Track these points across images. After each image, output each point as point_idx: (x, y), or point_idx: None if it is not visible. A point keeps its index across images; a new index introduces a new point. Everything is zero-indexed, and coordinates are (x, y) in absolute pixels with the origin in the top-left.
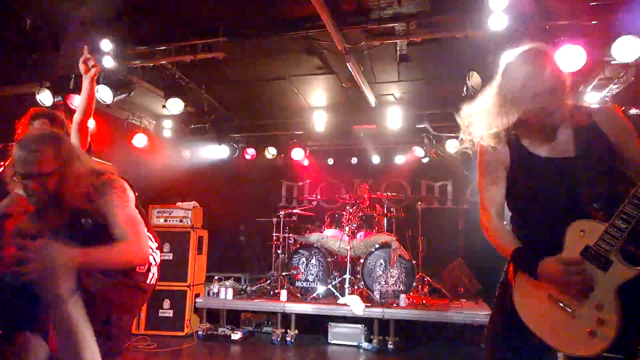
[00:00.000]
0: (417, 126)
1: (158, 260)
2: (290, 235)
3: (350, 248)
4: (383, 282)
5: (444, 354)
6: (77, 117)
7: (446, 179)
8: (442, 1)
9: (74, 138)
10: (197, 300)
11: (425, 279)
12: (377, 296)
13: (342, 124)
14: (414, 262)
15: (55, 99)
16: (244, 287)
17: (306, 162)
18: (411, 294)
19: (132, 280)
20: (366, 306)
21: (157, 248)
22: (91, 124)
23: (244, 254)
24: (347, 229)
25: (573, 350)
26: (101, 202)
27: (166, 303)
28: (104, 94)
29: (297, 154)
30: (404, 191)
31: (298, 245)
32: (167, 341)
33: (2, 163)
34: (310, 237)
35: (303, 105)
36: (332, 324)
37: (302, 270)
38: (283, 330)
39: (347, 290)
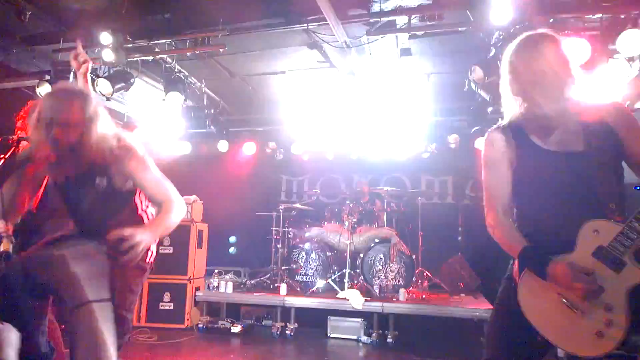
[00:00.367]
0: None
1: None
2: (290, 229)
3: (350, 243)
4: (383, 277)
5: (443, 348)
6: None
7: (446, 174)
8: None
9: None
10: (198, 293)
11: (425, 273)
12: (377, 290)
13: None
14: (413, 256)
15: None
16: (244, 281)
17: (306, 157)
18: (411, 288)
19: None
20: (366, 300)
21: None
22: None
23: (244, 248)
24: (346, 223)
25: (579, 350)
26: (123, 166)
27: (167, 296)
28: (103, 87)
29: (297, 149)
30: (403, 186)
31: (298, 240)
32: (168, 334)
33: (2, 156)
34: (310, 232)
35: (303, 99)
36: (332, 317)
37: (302, 264)
38: (283, 323)
39: (346, 285)
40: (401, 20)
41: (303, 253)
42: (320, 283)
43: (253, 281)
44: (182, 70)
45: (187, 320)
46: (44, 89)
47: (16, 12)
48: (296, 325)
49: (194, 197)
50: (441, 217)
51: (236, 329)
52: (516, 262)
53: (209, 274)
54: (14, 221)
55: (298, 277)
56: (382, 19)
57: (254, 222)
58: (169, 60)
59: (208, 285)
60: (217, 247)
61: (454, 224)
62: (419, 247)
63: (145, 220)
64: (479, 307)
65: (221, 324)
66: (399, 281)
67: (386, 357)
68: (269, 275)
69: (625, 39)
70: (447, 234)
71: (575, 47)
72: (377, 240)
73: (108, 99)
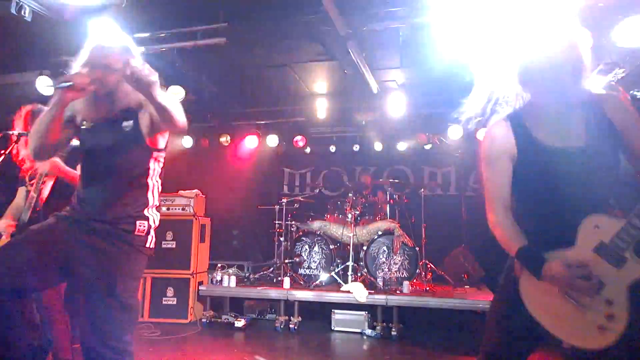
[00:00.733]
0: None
1: (157, 222)
2: (293, 222)
3: (353, 235)
4: (386, 269)
5: (448, 340)
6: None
7: (449, 166)
8: None
9: None
10: (201, 288)
11: (429, 265)
12: (381, 283)
13: (344, 111)
14: (417, 248)
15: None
16: (247, 274)
17: (308, 150)
18: (414, 280)
19: (133, 246)
20: (369, 293)
21: (157, 209)
22: None
23: (247, 242)
24: (349, 216)
25: (581, 342)
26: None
27: (170, 291)
28: None
29: (299, 142)
30: (406, 178)
31: (301, 233)
32: (171, 329)
33: (2, 151)
34: (313, 225)
35: (304, 92)
36: (336, 311)
37: (305, 257)
38: (286, 317)
39: (350, 278)
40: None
41: (306, 246)
42: (323, 276)
43: (256, 275)
44: (183, 63)
45: (191, 315)
46: (43, 83)
47: (16, 6)
48: (300, 319)
49: (196, 191)
50: (444, 209)
51: (240, 323)
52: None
53: (212, 268)
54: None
55: (301, 271)
56: (383, 10)
57: (256, 216)
58: (169, 53)
59: (211, 279)
60: (219, 241)
61: (457, 216)
62: (422, 239)
63: (150, 191)
64: (483, 299)
65: (225, 318)
66: (402, 273)
67: (390, 350)
68: (272, 268)
69: (624, 28)
70: (450, 226)
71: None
72: (380, 233)
73: None
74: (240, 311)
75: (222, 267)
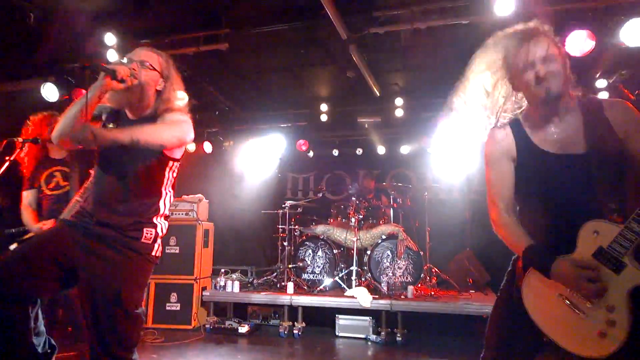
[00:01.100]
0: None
1: (165, 231)
2: (296, 227)
3: (357, 240)
4: (390, 274)
5: (453, 346)
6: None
7: (453, 169)
8: None
9: None
10: (204, 293)
11: (433, 270)
12: (385, 288)
13: (347, 114)
14: (421, 253)
15: (60, 94)
16: (251, 280)
17: (311, 154)
18: (419, 285)
19: (139, 253)
20: (374, 298)
21: (165, 218)
22: None
23: (251, 247)
24: (353, 220)
25: (582, 350)
26: (167, 115)
27: (173, 296)
28: None
29: (301, 146)
30: (410, 181)
31: (304, 238)
32: (175, 334)
33: (7, 158)
34: (316, 229)
35: (307, 96)
36: (340, 316)
37: (309, 262)
38: (290, 323)
39: (354, 282)
40: (404, 14)
41: (310, 251)
42: (327, 281)
43: (260, 280)
44: (187, 68)
45: (194, 320)
46: (48, 91)
47: (20, 13)
48: (304, 324)
49: (199, 196)
50: (449, 212)
51: (243, 329)
52: (520, 258)
53: (215, 273)
54: None
55: (305, 276)
56: (385, 13)
57: (260, 220)
58: (172, 59)
59: (215, 284)
60: (223, 247)
61: (461, 219)
62: (427, 243)
63: (162, 200)
64: (488, 304)
65: (228, 324)
66: (406, 278)
67: (395, 356)
68: (275, 273)
69: (630, 28)
70: (455, 230)
71: (579, 39)
72: (384, 237)
73: None
74: (244, 317)
75: (226, 272)
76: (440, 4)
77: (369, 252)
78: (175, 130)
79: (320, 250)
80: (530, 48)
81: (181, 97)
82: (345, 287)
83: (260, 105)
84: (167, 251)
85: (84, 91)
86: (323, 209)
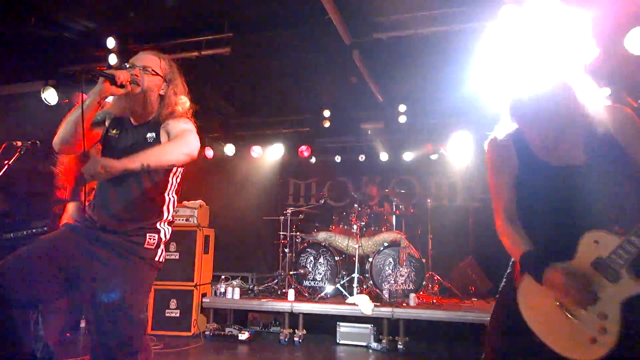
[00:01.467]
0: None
1: (168, 236)
2: (298, 233)
3: (359, 247)
4: (392, 281)
5: (455, 354)
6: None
7: (456, 176)
8: None
9: None
10: (204, 300)
11: (435, 277)
12: (387, 295)
13: (349, 120)
14: (423, 260)
15: (61, 98)
16: (251, 286)
17: (313, 160)
18: (421, 293)
19: (142, 259)
20: (375, 306)
21: (169, 224)
22: None
23: (251, 253)
24: (355, 227)
25: (573, 354)
26: (170, 124)
27: (173, 303)
28: None
29: (304, 152)
30: (412, 188)
31: (305, 244)
32: (174, 341)
33: (5, 162)
34: (318, 236)
35: (309, 101)
36: (341, 323)
37: (310, 269)
38: (291, 330)
39: (355, 290)
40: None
41: (311, 258)
42: (328, 288)
43: (260, 287)
44: (188, 73)
45: (194, 327)
46: (49, 95)
47: (21, 17)
48: (304, 331)
49: (200, 202)
50: (451, 220)
51: (243, 336)
52: (518, 262)
53: (215, 279)
54: None
55: (306, 283)
56: (388, 19)
57: (261, 227)
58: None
59: (215, 291)
60: (224, 253)
61: (464, 227)
62: (429, 251)
63: (165, 205)
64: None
65: (228, 331)
66: (409, 285)
67: None
68: (276, 280)
69: (634, 36)
70: (457, 237)
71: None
72: (386, 244)
73: None
74: (244, 324)
75: (226, 279)
76: (444, 10)
77: (370, 260)
78: (183, 147)
79: (321, 257)
80: (535, 56)
81: (183, 102)
82: (346, 294)
83: (262, 111)
84: (167, 257)
85: (85, 96)
86: (325, 215)
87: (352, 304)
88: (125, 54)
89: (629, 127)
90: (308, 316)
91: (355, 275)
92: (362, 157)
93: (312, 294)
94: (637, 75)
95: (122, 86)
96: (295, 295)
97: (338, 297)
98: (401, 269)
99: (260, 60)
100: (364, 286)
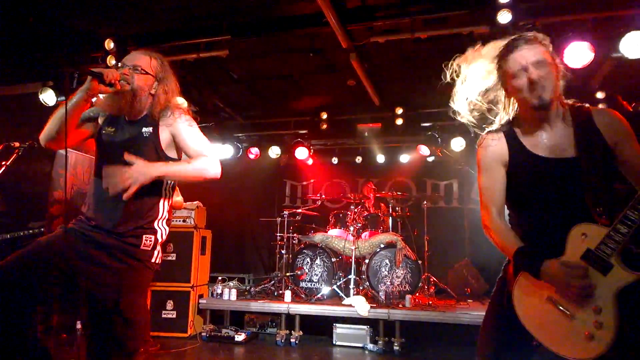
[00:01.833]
0: (422, 124)
1: (165, 237)
2: (294, 235)
3: (355, 248)
4: (388, 283)
5: (451, 355)
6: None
7: (452, 178)
8: None
9: None
10: (201, 301)
11: (431, 279)
12: (383, 297)
13: (346, 122)
14: (419, 262)
15: (59, 99)
16: (248, 287)
17: (310, 162)
18: (417, 294)
19: (139, 261)
20: (371, 307)
21: (167, 222)
22: None
23: (248, 255)
24: (351, 228)
25: (571, 353)
26: (173, 121)
27: (169, 304)
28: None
29: (301, 153)
30: (409, 190)
31: (302, 246)
32: (171, 342)
33: (3, 163)
34: (315, 237)
35: (307, 103)
36: (337, 325)
37: (307, 270)
38: (287, 331)
39: (352, 291)
40: (405, 24)
41: (308, 259)
42: (325, 289)
43: (257, 288)
44: (186, 74)
45: (191, 328)
46: (47, 96)
47: (19, 18)
48: (301, 333)
49: (197, 203)
50: (447, 222)
51: (240, 337)
52: (511, 263)
53: (212, 281)
54: None
55: (303, 284)
56: (385, 22)
57: (257, 228)
58: (172, 65)
59: (211, 292)
60: (220, 254)
61: (460, 229)
62: (425, 252)
63: (162, 200)
64: None
65: (225, 332)
66: (405, 287)
67: None
68: (273, 282)
69: (629, 41)
70: (453, 239)
71: (577, 50)
72: (382, 246)
73: None
74: (241, 325)
75: (223, 280)
76: (441, 14)
77: (367, 261)
78: (207, 171)
79: (318, 258)
80: (524, 53)
81: (180, 103)
82: (343, 295)
83: (259, 113)
84: (164, 258)
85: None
86: (322, 217)
87: (349, 306)
88: (123, 55)
89: (617, 127)
90: (305, 317)
91: (352, 276)
92: (359, 159)
93: (309, 295)
94: (632, 79)
95: (110, 85)
96: (291, 296)
97: (334, 299)
98: (397, 270)
99: (258, 63)
100: (360, 287)
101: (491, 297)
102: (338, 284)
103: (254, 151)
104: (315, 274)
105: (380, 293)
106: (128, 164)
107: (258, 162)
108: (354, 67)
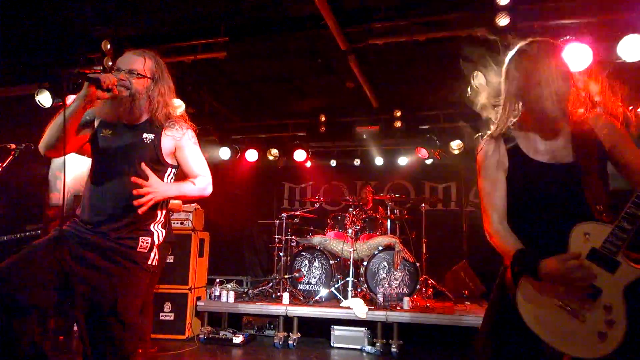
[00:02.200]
0: (420, 127)
1: (161, 239)
2: (293, 237)
3: (353, 250)
4: (386, 285)
5: (448, 357)
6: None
7: (450, 181)
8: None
9: None
10: (199, 303)
11: (429, 281)
12: (381, 299)
13: (344, 125)
14: (417, 264)
15: (55, 100)
16: (246, 290)
17: (308, 164)
18: (415, 296)
19: (135, 263)
20: (369, 309)
21: (162, 226)
22: None
23: (246, 257)
24: (350, 231)
25: (583, 353)
26: (178, 133)
27: (167, 306)
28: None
29: (299, 156)
30: (407, 193)
31: (300, 248)
32: (168, 345)
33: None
34: (313, 240)
35: (305, 105)
36: (335, 327)
37: (305, 273)
38: (285, 333)
39: (350, 293)
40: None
41: (306, 261)
42: (323, 292)
43: (255, 290)
44: (183, 76)
45: (188, 330)
46: (43, 97)
47: (16, 20)
48: (299, 335)
49: (195, 205)
50: (445, 224)
51: (238, 339)
52: (508, 269)
53: (210, 283)
54: None
55: (301, 286)
56: (384, 25)
57: (256, 230)
58: (169, 67)
59: (209, 294)
60: (218, 256)
61: (458, 231)
62: (423, 255)
63: (159, 206)
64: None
65: (223, 334)
66: (403, 289)
67: None
68: (271, 284)
69: (627, 44)
70: (451, 241)
71: (577, 53)
72: (380, 248)
73: None
74: (239, 327)
75: (221, 282)
76: (440, 16)
77: (365, 263)
78: (202, 191)
79: (316, 260)
80: (551, 63)
81: (178, 105)
82: (341, 298)
83: (258, 115)
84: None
85: (70, 100)
86: (320, 219)
87: (347, 308)
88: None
89: (613, 131)
90: (302, 319)
91: (350, 278)
92: (357, 162)
93: (307, 298)
94: (630, 83)
95: (108, 90)
96: (289, 298)
97: (332, 301)
98: (395, 272)
99: (256, 65)
100: (359, 290)
101: (489, 303)
102: (336, 286)
103: (252, 153)
104: (313, 276)
105: (378, 295)
106: (125, 170)
107: (256, 164)
108: (353, 69)
